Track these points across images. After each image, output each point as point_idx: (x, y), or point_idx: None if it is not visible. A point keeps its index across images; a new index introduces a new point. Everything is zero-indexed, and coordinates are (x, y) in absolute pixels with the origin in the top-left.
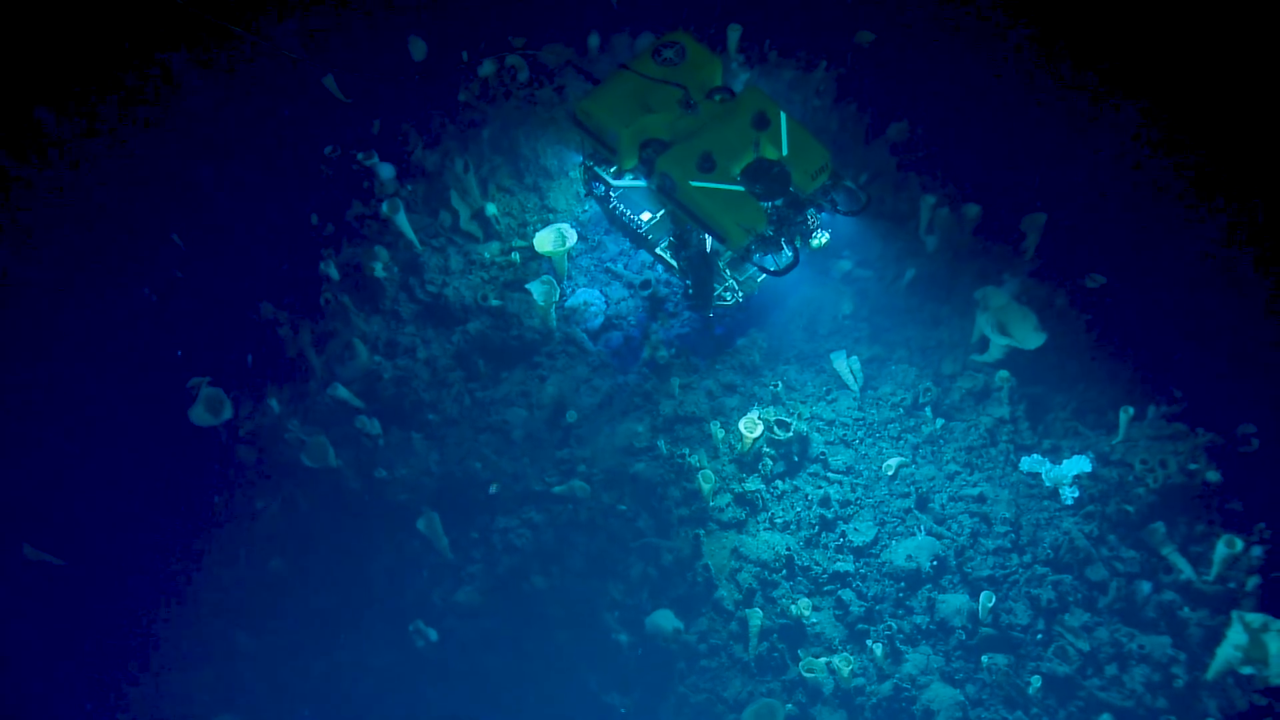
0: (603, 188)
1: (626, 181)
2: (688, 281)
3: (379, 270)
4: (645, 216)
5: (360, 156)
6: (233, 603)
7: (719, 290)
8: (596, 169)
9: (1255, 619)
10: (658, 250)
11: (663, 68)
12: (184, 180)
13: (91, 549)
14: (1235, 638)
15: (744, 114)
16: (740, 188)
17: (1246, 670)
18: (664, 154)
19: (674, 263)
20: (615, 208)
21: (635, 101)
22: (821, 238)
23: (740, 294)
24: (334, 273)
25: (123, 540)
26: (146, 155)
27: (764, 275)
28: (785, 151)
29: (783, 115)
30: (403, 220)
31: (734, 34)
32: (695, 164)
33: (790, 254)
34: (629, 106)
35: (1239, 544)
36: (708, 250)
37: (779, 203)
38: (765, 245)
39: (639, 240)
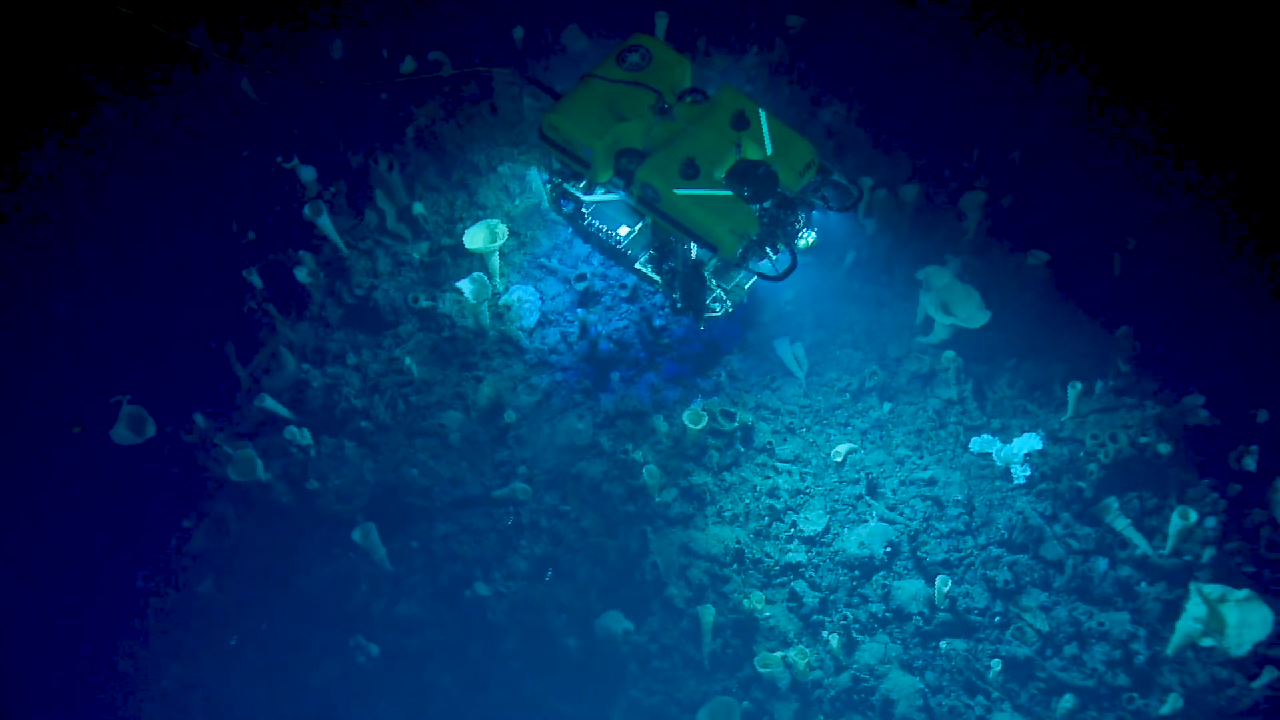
0: (573, 205)
1: (599, 196)
2: (675, 295)
3: (304, 275)
4: (622, 231)
5: (279, 160)
6: (163, 629)
7: (708, 300)
8: (565, 185)
9: (1213, 590)
10: (638, 265)
11: (630, 73)
12: (97, 192)
13: (6, 578)
14: (1194, 610)
15: (721, 115)
16: (728, 192)
17: (1207, 642)
18: (643, 164)
19: (656, 277)
20: (590, 224)
21: (606, 111)
22: (808, 237)
23: (729, 303)
24: (257, 280)
25: (42, 568)
26: (57, 168)
27: (751, 281)
28: (769, 150)
29: (762, 113)
30: (326, 223)
31: (661, 21)
32: (678, 171)
33: (788, 257)
34: (600, 117)
35: (1193, 515)
36: (692, 259)
37: (768, 204)
38: (755, 250)
39: (617, 257)
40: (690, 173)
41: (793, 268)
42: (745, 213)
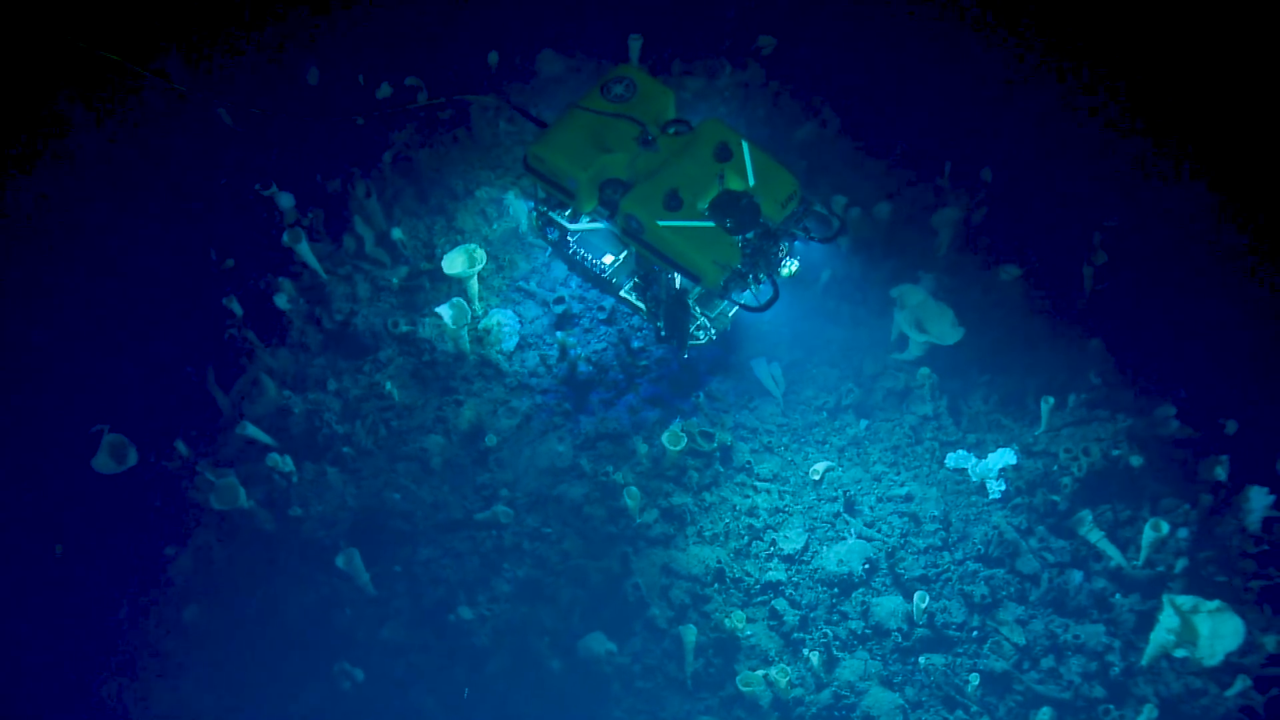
0: (558, 233)
1: (584, 224)
2: (659, 324)
3: (283, 302)
4: (607, 259)
5: (257, 187)
6: (146, 658)
7: (691, 328)
8: (550, 214)
9: (1185, 601)
10: (622, 294)
11: (614, 104)
12: (75, 220)
13: None
14: (1167, 621)
15: (704, 146)
16: (710, 223)
17: (1180, 653)
18: (627, 195)
19: (641, 305)
20: (575, 253)
21: (590, 142)
22: (791, 266)
23: (713, 331)
24: (236, 308)
25: (23, 597)
26: (34, 196)
27: (735, 310)
28: (752, 182)
29: (745, 144)
30: (305, 249)
31: (635, 44)
32: (661, 203)
33: (770, 287)
34: (584, 147)
35: (1165, 527)
36: (676, 288)
37: (750, 235)
38: (738, 280)
39: (602, 284)
40: (674, 204)
41: (775, 299)
42: (728, 244)
